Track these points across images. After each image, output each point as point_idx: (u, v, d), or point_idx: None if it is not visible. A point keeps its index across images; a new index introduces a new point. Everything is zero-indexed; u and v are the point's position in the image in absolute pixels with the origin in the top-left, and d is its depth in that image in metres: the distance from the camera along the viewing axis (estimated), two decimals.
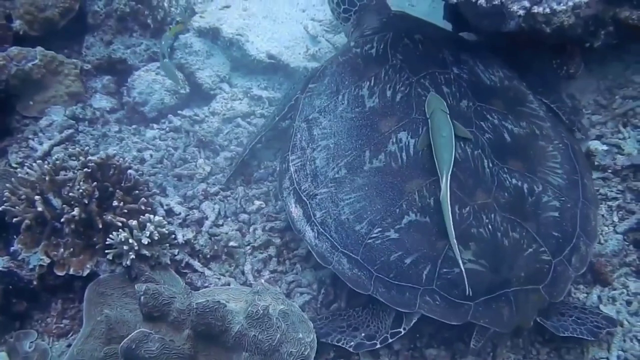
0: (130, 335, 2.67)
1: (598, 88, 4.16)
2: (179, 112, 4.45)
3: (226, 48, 4.78)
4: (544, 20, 3.58)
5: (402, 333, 3.08)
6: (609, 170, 3.75)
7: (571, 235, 3.16)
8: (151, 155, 4.17)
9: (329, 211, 3.28)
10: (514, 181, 3.20)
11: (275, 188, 3.85)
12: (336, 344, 3.11)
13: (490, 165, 3.21)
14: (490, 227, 3.04)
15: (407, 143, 3.28)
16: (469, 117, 3.36)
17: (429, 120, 3.26)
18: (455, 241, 2.89)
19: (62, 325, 3.46)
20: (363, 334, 3.13)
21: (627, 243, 3.51)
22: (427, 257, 3.01)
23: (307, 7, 5.13)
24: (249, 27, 4.80)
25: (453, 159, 3.06)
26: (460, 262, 2.87)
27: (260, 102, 4.65)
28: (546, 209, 3.17)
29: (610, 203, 3.68)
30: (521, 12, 2.82)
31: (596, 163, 3.77)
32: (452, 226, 2.91)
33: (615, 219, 3.61)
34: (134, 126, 4.46)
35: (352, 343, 3.10)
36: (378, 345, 3.08)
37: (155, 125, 4.46)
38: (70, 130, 4.21)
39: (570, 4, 2.81)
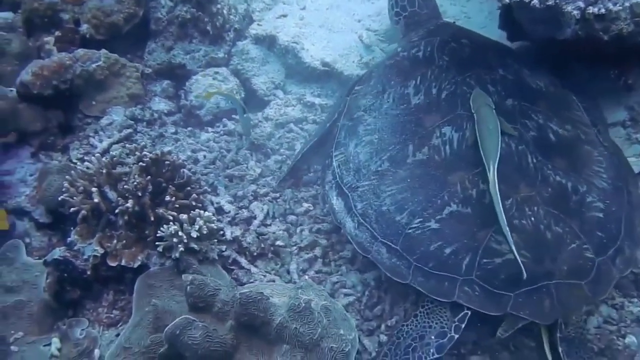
0: (175, 321, 2.72)
1: None
2: (234, 116, 4.53)
3: (281, 55, 4.86)
4: (601, 28, 3.52)
5: (469, 313, 3.03)
6: None
7: (615, 237, 3.13)
8: (204, 156, 4.26)
9: (370, 202, 3.33)
10: (557, 178, 3.19)
11: None
12: None
13: (534, 160, 3.21)
14: (533, 219, 3.03)
15: (450, 137, 3.32)
16: (513, 115, 3.37)
17: (474, 114, 3.27)
18: (507, 228, 2.87)
19: (112, 315, 3.56)
20: (433, 337, 3.09)
21: None
22: (468, 247, 3.02)
23: (363, 18, 5.18)
24: (304, 35, 4.88)
25: (499, 151, 3.05)
26: (513, 247, 2.85)
27: (313, 108, 4.70)
28: (590, 208, 3.15)
29: None
30: (575, 12, 2.78)
31: None
32: (503, 214, 2.89)
33: None
34: (189, 128, 4.57)
35: (432, 350, 3.05)
36: (455, 336, 3.02)
37: (210, 129, 4.56)
38: (129, 130, 4.34)
39: (627, 4, 2.73)
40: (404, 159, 3.34)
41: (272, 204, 3.96)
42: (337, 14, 5.19)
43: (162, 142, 4.34)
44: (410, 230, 3.15)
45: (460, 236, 3.05)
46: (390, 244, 3.20)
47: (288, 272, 3.60)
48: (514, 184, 3.12)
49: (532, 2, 2.83)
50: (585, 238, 3.05)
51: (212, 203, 3.84)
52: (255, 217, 3.83)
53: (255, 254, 3.66)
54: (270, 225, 3.84)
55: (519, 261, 2.84)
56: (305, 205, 3.93)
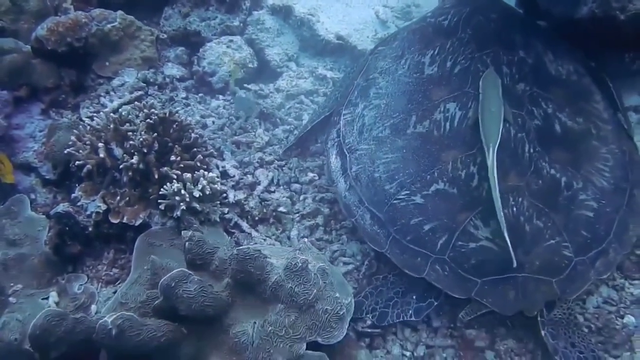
0: (171, 273, 2.71)
1: None
2: (245, 85, 4.52)
3: (296, 27, 4.86)
4: (618, 7, 3.47)
5: None
6: None
7: (602, 239, 3.06)
8: (213, 122, 4.27)
9: (365, 167, 3.33)
10: (552, 171, 3.12)
11: None
12: (397, 320, 3.09)
13: (531, 150, 3.15)
14: (514, 209, 3.00)
15: (453, 114, 3.27)
16: (521, 101, 3.30)
17: (480, 95, 3.22)
18: (502, 214, 2.84)
19: (111, 273, 3.58)
20: (414, 296, 3.12)
21: None
22: (446, 227, 3.02)
23: None
24: (321, 8, 4.88)
25: (499, 135, 3.01)
26: (506, 234, 2.82)
27: (325, 81, 4.69)
28: (581, 206, 3.08)
29: None
30: None
31: None
32: (499, 200, 2.86)
33: None
34: (200, 95, 4.57)
35: (410, 311, 3.08)
36: (435, 303, 3.07)
37: (220, 96, 4.56)
38: (140, 92, 4.35)
39: None
40: (405, 129, 3.32)
41: (278, 171, 3.96)
42: None
43: (172, 106, 4.34)
44: (395, 201, 3.15)
45: (441, 215, 3.05)
46: (375, 211, 3.21)
47: (289, 238, 3.60)
48: (505, 172, 3.07)
49: None
50: (566, 236, 2.99)
51: (217, 167, 3.85)
52: (259, 183, 3.83)
53: (257, 218, 3.66)
54: (274, 192, 3.84)
55: (511, 250, 2.82)
56: (311, 174, 3.92)
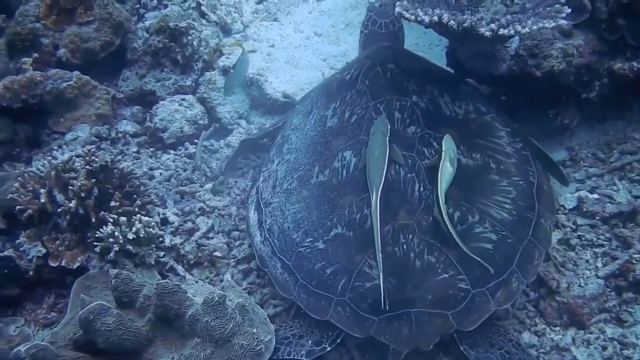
0: (89, 306, 2.80)
1: (598, 143, 4.17)
2: (195, 140, 4.72)
3: (246, 87, 5.09)
4: (534, 64, 3.76)
5: (344, 331, 3.12)
6: (597, 217, 3.71)
7: (503, 270, 3.13)
8: (161, 174, 4.42)
9: (277, 219, 3.48)
10: None
11: None
12: (287, 357, 3.16)
13: (422, 189, 3.27)
14: (405, 247, 3.11)
15: (349, 161, 3.44)
16: (412, 143, 3.45)
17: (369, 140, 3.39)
18: (381, 255, 3.00)
19: (49, 316, 3.66)
20: (310, 341, 3.21)
21: (608, 289, 3.43)
22: (345, 269, 3.14)
23: (328, 57, 5.43)
24: (270, 69, 5.13)
25: (383, 178, 3.15)
26: (381, 275, 2.97)
27: None
28: (477, 239, 3.17)
29: (596, 250, 3.62)
30: (488, 33, 2.96)
31: (584, 209, 3.75)
32: (379, 240, 3.01)
33: (599, 264, 3.54)
34: (152, 149, 4.73)
35: (303, 352, 3.15)
36: (328, 349, 3.15)
37: (172, 151, 4.72)
38: (92, 147, 4.49)
39: (535, 27, 2.93)
40: (309, 179, 3.48)
41: (219, 219, 4.08)
42: (304, 53, 5.47)
43: (122, 159, 4.49)
44: (302, 249, 3.28)
45: (341, 258, 3.17)
46: (285, 259, 3.33)
47: (222, 281, 3.67)
48: (394, 212, 3.20)
49: (450, 23, 3.01)
50: (462, 269, 3.07)
51: (158, 214, 3.97)
52: (198, 229, 3.95)
53: (192, 262, 3.76)
54: (212, 238, 3.95)
55: (382, 287, 2.95)
56: None
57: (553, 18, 3.03)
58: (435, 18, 3.08)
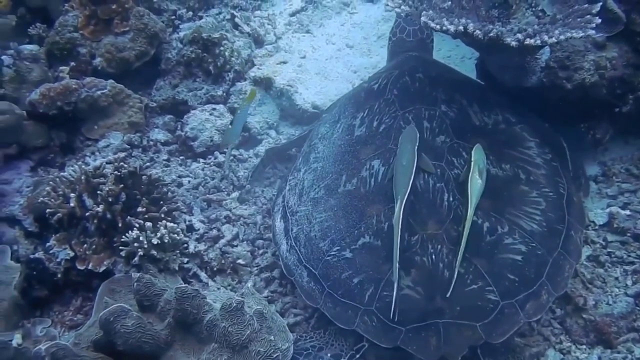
0: (110, 308, 2.84)
1: (632, 158, 4.07)
2: (226, 150, 4.76)
3: (277, 97, 5.13)
4: (565, 76, 3.68)
5: (366, 346, 3.12)
6: (629, 234, 3.62)
7: (533, 282, 3.09)
8: (189, 181, 4.48)
9: (303, 227, 3.46)
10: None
11: None
12: None
13: (451, 199, 3.24)
14: (433, 257, 3.07)
15: (377, 170, 3.42)
16: (441, 152, 3.41)
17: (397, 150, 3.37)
18: (397, 265, 2.96)
19: (75, 318, 3.73)
20: (329, 354, 3.21)
21: (638, 308, 3.32)
22: (373, 278, 3.12)
23: (359, 69, 5.42)
24: (300, 80, 5.14)
25: (410, 187, 3.11)
26: (396, 285, 2.95)
27: None
28: (506, 250, 3.13)
29: (626, 267, 3.54)
30: (514, 43, 2.92)
31: (615, 226, 3.66)
32: (397, 250, 2.98)
33: (629, 282, 3.45)
34: (182, 157, 4.80)
35: None
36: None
37: (201, 160, 4.78)
38: (124, 154, 4.60)
39: (562, 37, 2.88)
40: (336, 188, 3.46)
41: (244, 228, 4.10)
42: (335, 65, 5.48)
43: (152, 166, 4.57)
44: (328, 257, 3.26)
45: (368, 267, 3.14)
46: (311, 268, 3.32)
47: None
48: (423, 221, 3.17)
49: (475, 33, 2.98)
50: (491, 280, 3.03)
51: (184, 221, 4.01)
52: (223, 237, 3.98)
53: (215, 269, 3.79)
54: (236, 246, 3.97)
55: (394, 298, 2.94)
56: None
57: (582, 28, 2.96)
58: (461, 28, 3.05)
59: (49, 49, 5.12)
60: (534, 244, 3.17)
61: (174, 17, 5.71)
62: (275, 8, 6.45)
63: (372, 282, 3.10)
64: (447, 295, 2.95)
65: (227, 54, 5.10)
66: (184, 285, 2.99)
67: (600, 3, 3.25)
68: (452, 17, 3.17)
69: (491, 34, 2.99)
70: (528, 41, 2.91)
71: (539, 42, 2.91)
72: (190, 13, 5.83)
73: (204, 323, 2.91)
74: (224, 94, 5.13)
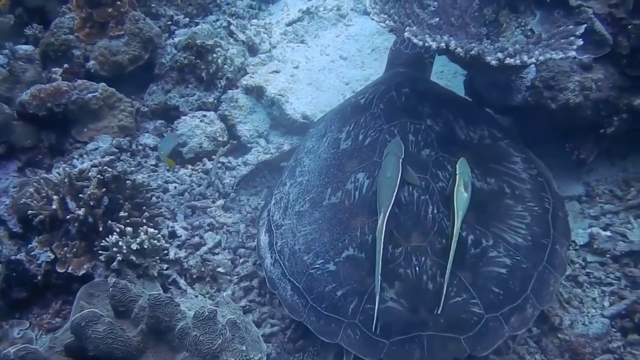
0: (81, 312, 2.84)
1: (616, 179, 4.06)
2: (214, 157, 4.77)
3: (267, 106, 5.14)
4: (549, 96, 3.69)
5: None
6: (608, 255, 3.62)
7: (517, 295, 3.07)
8: (175, 187, 4.48)
9: (287, 241, 3.45)
10: None
11: None
12: None
13: (435, 211, 3.23)
14: (417, 269, 3.06)
15: (362, 183, 3.40)
16: (426, 165, 3.40)
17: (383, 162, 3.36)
18: (379, 277, 2.95)
19: (53, 321, 3.74)
20: None
21: (614, 329, 3.32)
22: (356, 291, 3.10)
23: (351, 81, 5.42)
24: (292, 90, 5.15)
25: (393, 199, 3.10)
26: (377, 297, 2.94)
27: None
28: (491, 263, 3.11)
29: (604, 288, 3.53)
30: (494, 62, 2.93)
31: (595, 246, 3.67)
32: (380, 262, 2.97)
33: (606, 303, 3.45)
34: None
35: None
36: None
37: (189, 166, 4.79)
38: (112, 157, 4.60)
39: (542, 58, 2.89)
40: (321, 201, 3.45)
41: (226, 235, 4.11)
42: (327, 76, 5.48)
43: (139, 171, 4.59)
44: (312, 271, 3.25)
45: (352, 280, 3.13)
46: (295, 281, 3.30)
47: None
48: (407, 233, 3.16)
49: (457, 50, 2.99)
50: (475, 292, 3.02)
51: (167, 227, 4.02)
52: (204, 244, 3.98)
53: (194, 276, 3.79)
54: (218, 254, 3.98)
55: (375, 310, 2.94)
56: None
57: (563, 50, 2.98)
58: (443, 44, 3.06)
59: (43, 50, 5.17)
60: (518, 258, 3.16)
61: (170, 22, 5.75)
62: (272, 17, 6.50)
63: (356, 295, 3.09)
64: (438, 311, 2.95)
65: (219, 61, 5.11)
66: (157, 292, 2.99)
67: (585, 25, 3.28)
68: (437, 34, 3.18)
69: (472, 52, 3.00)
70: (508, 60, 2.92)
71: (518, 62, 2.92)
72: (187, 19, 5.89)
73: (175, 331, 2.91)
74: (215, 101, 5.15)
